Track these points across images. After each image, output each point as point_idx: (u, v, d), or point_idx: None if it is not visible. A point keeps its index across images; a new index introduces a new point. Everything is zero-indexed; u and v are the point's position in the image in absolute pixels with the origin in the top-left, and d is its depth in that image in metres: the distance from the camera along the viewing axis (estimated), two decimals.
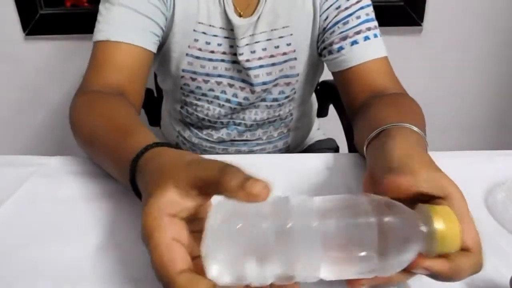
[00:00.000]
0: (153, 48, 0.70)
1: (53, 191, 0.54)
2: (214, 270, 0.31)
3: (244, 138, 0.87)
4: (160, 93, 1.03)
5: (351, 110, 0.72)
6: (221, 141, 0.87)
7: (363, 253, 0.32)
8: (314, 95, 1.00)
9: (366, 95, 0.68)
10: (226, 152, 0.88)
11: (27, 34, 1.40)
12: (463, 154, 0.62)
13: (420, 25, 1.39)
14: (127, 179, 0.43)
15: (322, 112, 1.15)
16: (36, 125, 1.56)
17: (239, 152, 0.88)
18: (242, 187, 0.30)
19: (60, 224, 0.49)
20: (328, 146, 0.98)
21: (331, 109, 1.12)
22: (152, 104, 1.10)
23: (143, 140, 0.44)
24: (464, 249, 0.35)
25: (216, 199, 0.34)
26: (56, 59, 1.44)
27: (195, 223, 0.35)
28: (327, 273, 0.33)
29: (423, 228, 0.33)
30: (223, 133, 0.86)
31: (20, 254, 0.44)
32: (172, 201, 0.34)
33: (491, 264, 0.42)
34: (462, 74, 1.50)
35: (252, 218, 0.32)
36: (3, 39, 1.42)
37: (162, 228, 0.32)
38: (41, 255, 0.44)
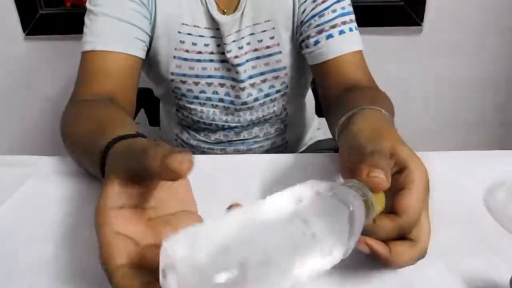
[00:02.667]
0: (140, 54, 0.71)
1: (52, 191, 0.54)
2: None
3: (241, 137, 0.87)
4: None
5: (325, 103, 0.74)
6: (218, 142, 0.87)
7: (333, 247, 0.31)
8: (310, 91, 1.00)
9: (340, 89, 0.69)
10: (224, 152, 0.88)
11: (27, 34, 1.40)
12: (463, 154, 0.62)
13: (420, 25, 1.39)
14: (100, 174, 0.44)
15: (322, 112, 1.14)
16: (36, 125, 1.56)
17: (237, 151, 0.88)
18: (163, 166, 0.30)
19: (60, 224, 0.49)
20: (328, 146, 0.98)
21: None
22: (152, 104, 1.10)
23: (114, 135, 0.43)
24: (410, 239, 0.38)
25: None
26: (56, 59, 1.44)
27: (148, 211, 0.36)
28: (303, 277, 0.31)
29: (364, 199, 0.35)
30: (220, 134, 0.86)
31: (20, 254, 0.44)
32: (116, 193, 0.34)
33: (491, 264, 0.42)
34: (462, 74, 1.50)
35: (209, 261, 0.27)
36: (3, 39, 1.42)
37: (107, 224, 0.33)
38: (41, 255, 0.44)
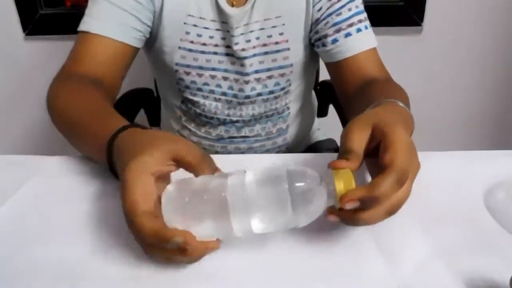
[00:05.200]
0: (134, 43, 0.73)
1: (53, 191, 0.54)
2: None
3: (242, 134, 0.87)
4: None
5: (344, 97, 0.77)
6: (219, 139, 0.87)
7: (280, 210, 0.40)
8: (313, 93, 1.00)
9: (360, 83, 0.72)
10: (225, 149, 0.88)
11: (27, 34, 1.40)
12: (463, 154, 0.62)
13: (420, 25, 1.39)
14: (105, 159, 0.49)
15: (322, 112, 1.15)
16: (36, 125, 1.56)
17: (238, 149, 0.88)
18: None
19: (60, 224, 0.49)
20: (328, 146, 0.98)
21: (331, 109, 1.12)
22: (152, 104, 1.10)
23: (118, 123, 0.50)
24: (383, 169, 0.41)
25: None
26: (56, 59, 1.43)
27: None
28: (257, 229, 0.40)
29: (327, 189, 0.41)
30: (221, 130, 0.86)
31: (20, 254, 0.44)
32: (149, 162, 0.42)
33: (491, 264, 0.42)
34: (462, 74, 1.50)
35: (196, 193, 0.40)
36: (3, 39, 1.42)
37: (140, 180, 0.40)
38: (41, 255, 0.44)
